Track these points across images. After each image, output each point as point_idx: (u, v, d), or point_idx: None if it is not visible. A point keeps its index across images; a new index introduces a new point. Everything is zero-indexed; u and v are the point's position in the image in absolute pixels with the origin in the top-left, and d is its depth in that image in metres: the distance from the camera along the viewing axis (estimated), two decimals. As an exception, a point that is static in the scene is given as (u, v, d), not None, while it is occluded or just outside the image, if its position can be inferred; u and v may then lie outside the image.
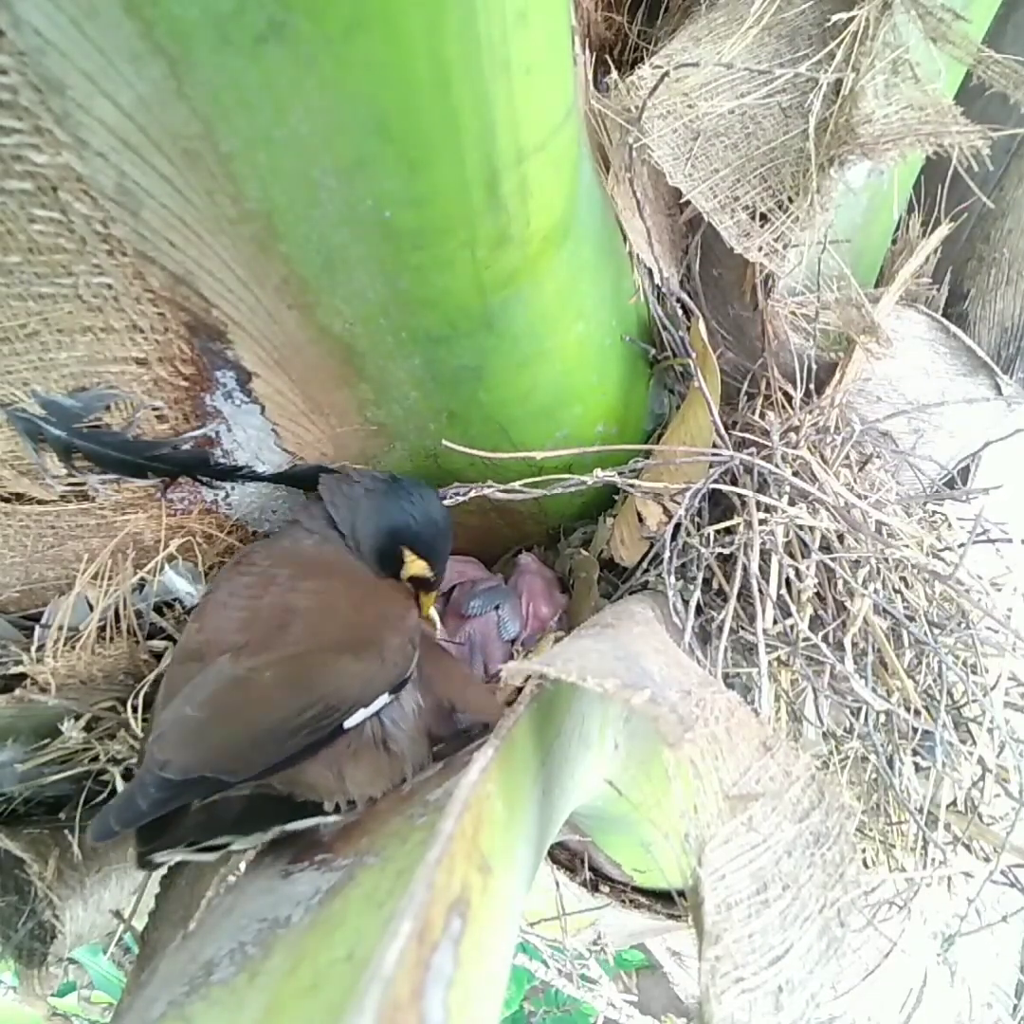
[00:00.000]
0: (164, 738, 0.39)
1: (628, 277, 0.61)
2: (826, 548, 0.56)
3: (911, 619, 0.55)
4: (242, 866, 0.43)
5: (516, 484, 0.56)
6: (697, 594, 0.56)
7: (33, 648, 0.55)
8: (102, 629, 0.56)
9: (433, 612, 0.60)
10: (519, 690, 0.37)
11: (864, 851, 0.61)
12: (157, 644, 0.60)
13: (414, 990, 0.20)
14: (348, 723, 0.43)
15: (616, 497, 0.68)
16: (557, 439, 0.58)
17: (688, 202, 0.57)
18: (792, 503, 0.57)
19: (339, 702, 0.42)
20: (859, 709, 0.56)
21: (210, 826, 0.38)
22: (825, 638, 0.54)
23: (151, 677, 0.57)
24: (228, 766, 0.38)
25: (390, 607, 0.50)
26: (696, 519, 0.60)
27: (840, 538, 0.57)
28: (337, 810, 0.42)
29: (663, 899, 0.76)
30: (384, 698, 0.45)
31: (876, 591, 0.55)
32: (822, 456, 0.62)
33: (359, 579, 0.52)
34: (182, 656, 0.46)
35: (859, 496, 0.59)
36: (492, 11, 0.31)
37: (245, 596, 0.48)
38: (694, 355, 0.61)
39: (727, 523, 0.58)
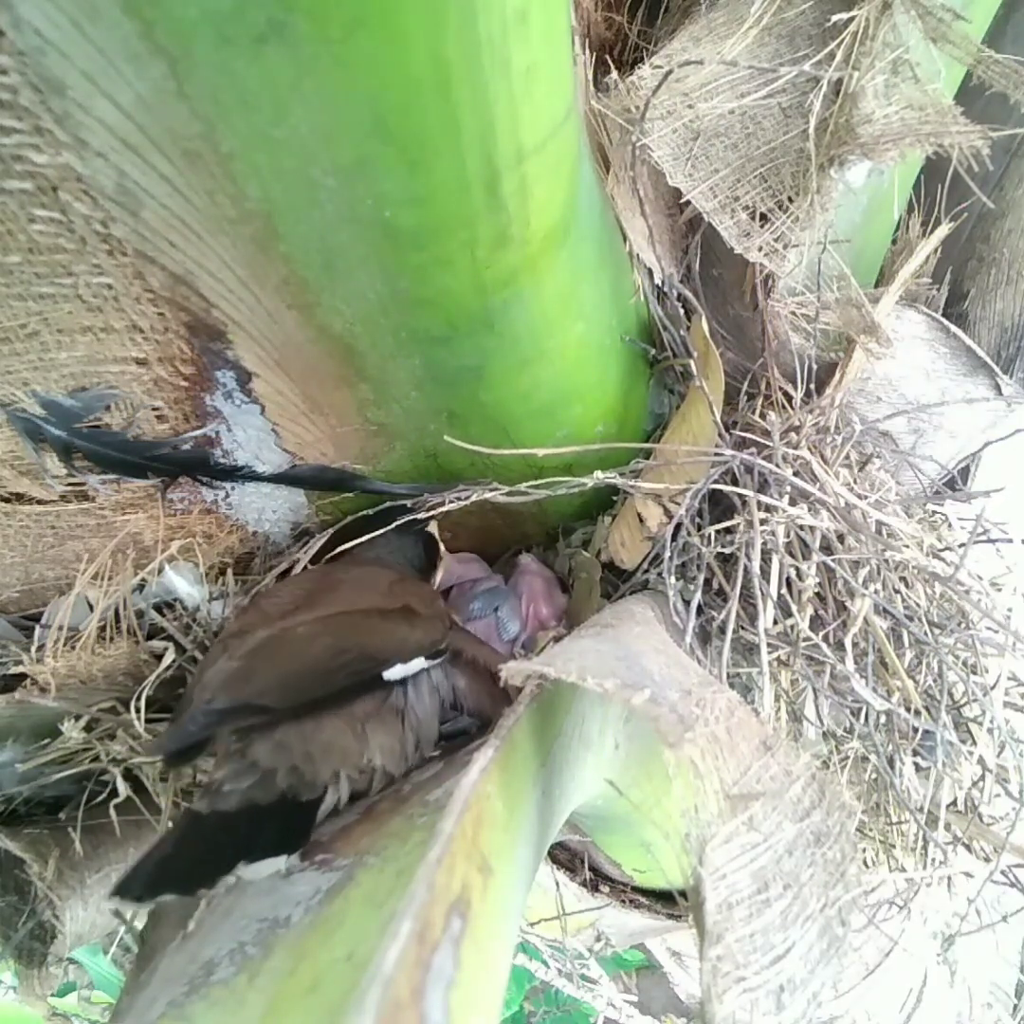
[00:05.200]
0: (207, 685, 0.42)
1: (628, 277, 0.61)
2: (827, 548, 0.56)
3: (911, 619, 0.55)
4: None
5: (522, 486, 0.57)
6: (698, 594, 0.56)
7: (33, 648, 0.55)
8: (102, 629, 0.56)
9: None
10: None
11: (864, 851, 0.61)
12: (157, 644, 0.59)
13: (414, 990, 0.20)
14: (388, 675, 0.45)
15: (615, 497, 0.68)
16: (557, 438, 0.58)
17: (688, 202, 0.57)
18: (793, 503, 0.56)
19: (375, 651, 0.45)
20: (859, 709, 0.56)
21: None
22: (825, 638, 0.54)
23: (151, 677, 0.57)
24: (271, 696, 0.41)
25: (423, 590, 0.57)
26: (697, 519, 0.60)
27: (840, 538, 0.57)
28: (335, 810, 0.42)
29: (663, 899, 0.75)
30: (421, 661, 0.48)
31: (876, 591, 0.55)
32: (822, 456, 0.62)
33: (400, 572, 0.59)
34: (223, 637, 0.49)
35: (859, 496, 0.59)
36: (492, 11, 0.30)
37: (302, 578, 0.55)
38: (696, 354, 0.61)
39: (728, 523, 0.57)
